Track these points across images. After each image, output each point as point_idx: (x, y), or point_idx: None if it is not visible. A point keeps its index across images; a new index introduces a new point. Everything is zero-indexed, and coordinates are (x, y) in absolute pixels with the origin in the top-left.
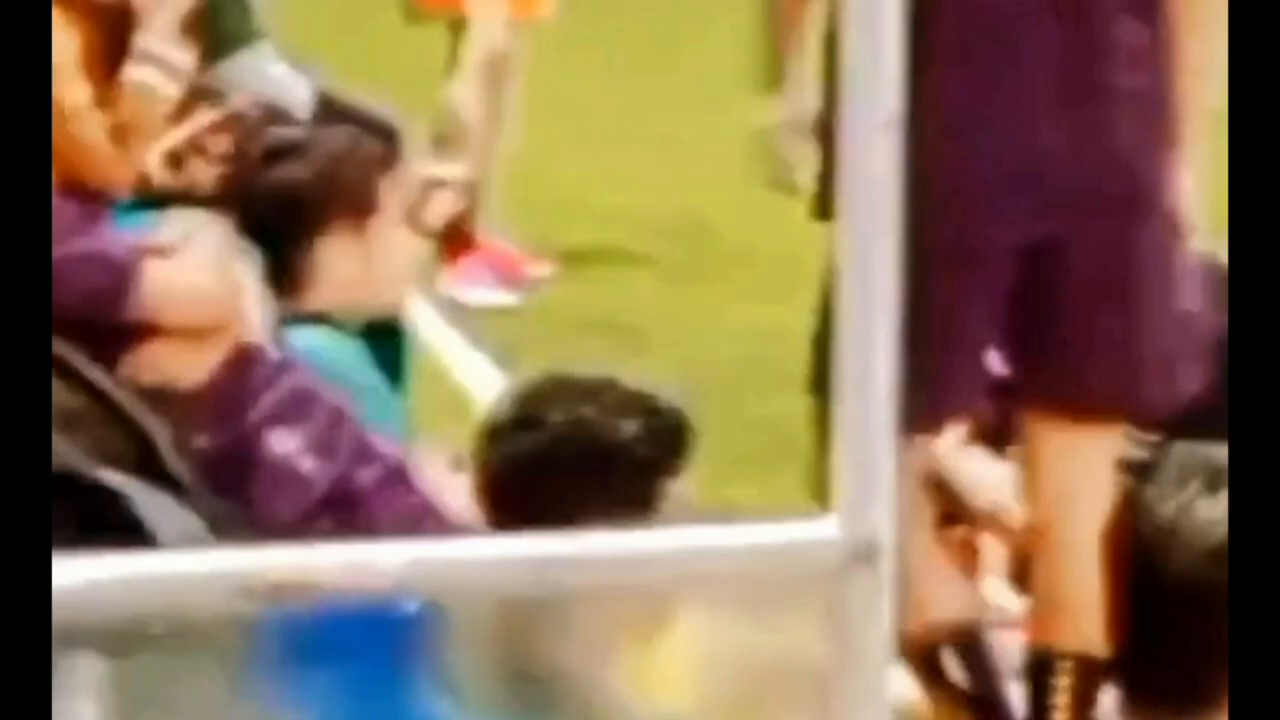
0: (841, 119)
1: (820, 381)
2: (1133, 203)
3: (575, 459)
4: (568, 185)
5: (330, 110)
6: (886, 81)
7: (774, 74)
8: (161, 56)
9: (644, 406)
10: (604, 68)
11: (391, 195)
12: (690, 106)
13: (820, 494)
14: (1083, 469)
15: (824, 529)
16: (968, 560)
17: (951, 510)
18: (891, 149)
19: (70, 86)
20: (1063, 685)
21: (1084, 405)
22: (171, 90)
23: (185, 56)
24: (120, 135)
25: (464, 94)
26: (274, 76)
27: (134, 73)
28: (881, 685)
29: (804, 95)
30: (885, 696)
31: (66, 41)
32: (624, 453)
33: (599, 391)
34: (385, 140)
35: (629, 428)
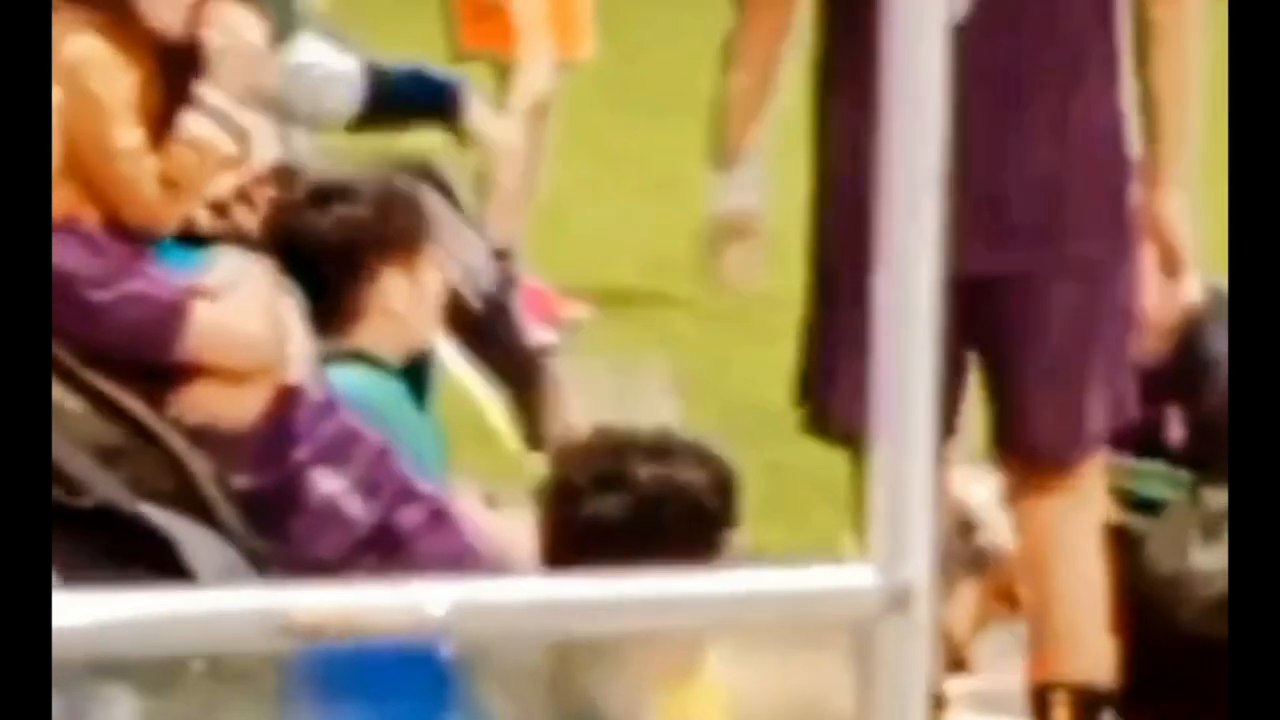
0: (884, 174)
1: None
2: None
3: (659, 514)
4: (605, 227)
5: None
6: (929, 136)
7: (725, 155)
8: (226, 114)
9: (703, 458)
10: (641, 109)
11: (435, 235)
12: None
13: (859, 539)
14: (1060, 503)
15: (860, 575)
16: (1006, 607)
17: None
18: (934, 202)
19: (123, 128)
20: (1061, 717)
21: (1032, 447)
22: (229, 149)
23: (248, 117)
24: (170, 184)
25: (513, 133)
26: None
27: (194, 126)
28: None
29: (749, 188)
30: None
31: (123, 81)
32: (698, 505)
33: (666, 446)
34: (430, 180)
35: (699, 480)
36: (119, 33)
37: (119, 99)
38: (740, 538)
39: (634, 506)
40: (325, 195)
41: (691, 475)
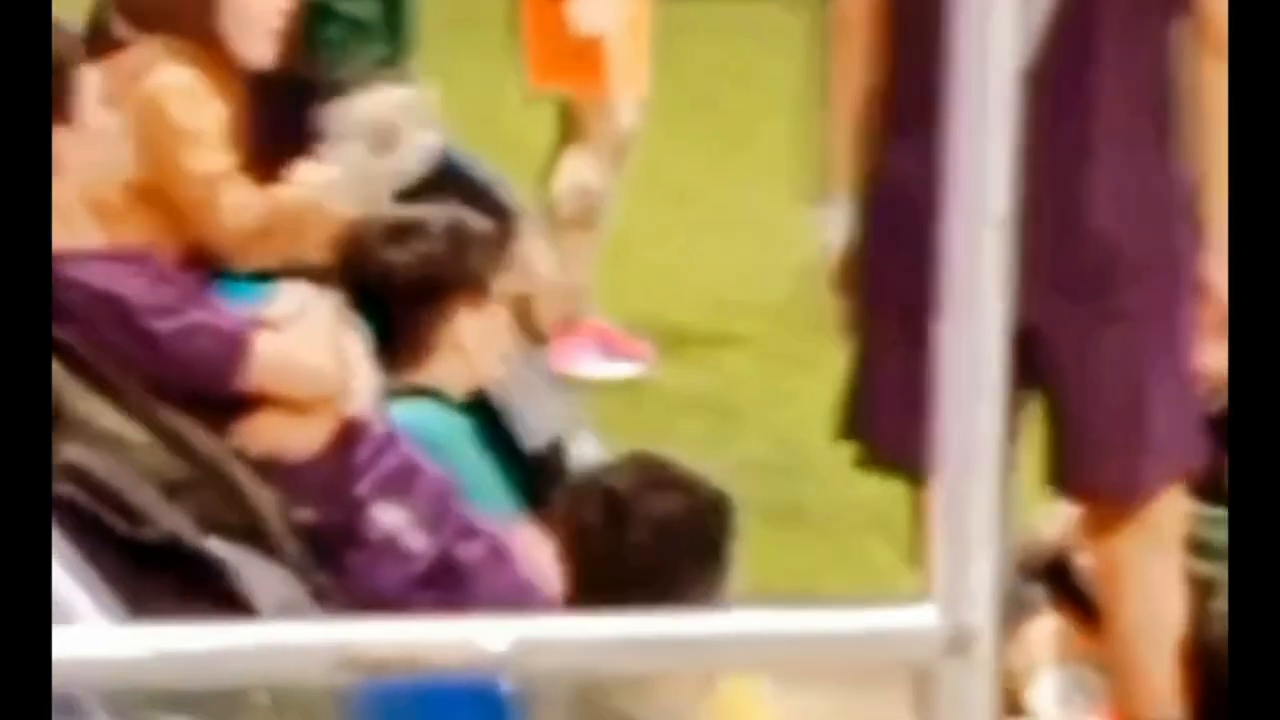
0: (951, 218)
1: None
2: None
3: (669, 547)
4: (669, 266)
5: (448, 184)
6: (995, 180)
7: (825, 193)
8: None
9: (696, 486)
10: (707, 150)
11: (505, 273)
12: (790, 192)
13: (918, 573)
14: (1126, 543)
15: (921, 617)
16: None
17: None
18: (999, 246)
19: (206, 153)
20: None
21: (1095, 490)
22: (339, 204)
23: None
24: (270, 222)
25: (592, 175)
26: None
27: (310, 174)
28: None
29: (841, 226)
30: None
31: (208, 109)
32: (708, 533)
33: (674, 475)
34: (502, 219)
35: (706, 507)
36: (207, 63)
37: (203, 126)
38: (794, 573)
39: (640, 539)
40: (401, 232)
41: (699, 503)
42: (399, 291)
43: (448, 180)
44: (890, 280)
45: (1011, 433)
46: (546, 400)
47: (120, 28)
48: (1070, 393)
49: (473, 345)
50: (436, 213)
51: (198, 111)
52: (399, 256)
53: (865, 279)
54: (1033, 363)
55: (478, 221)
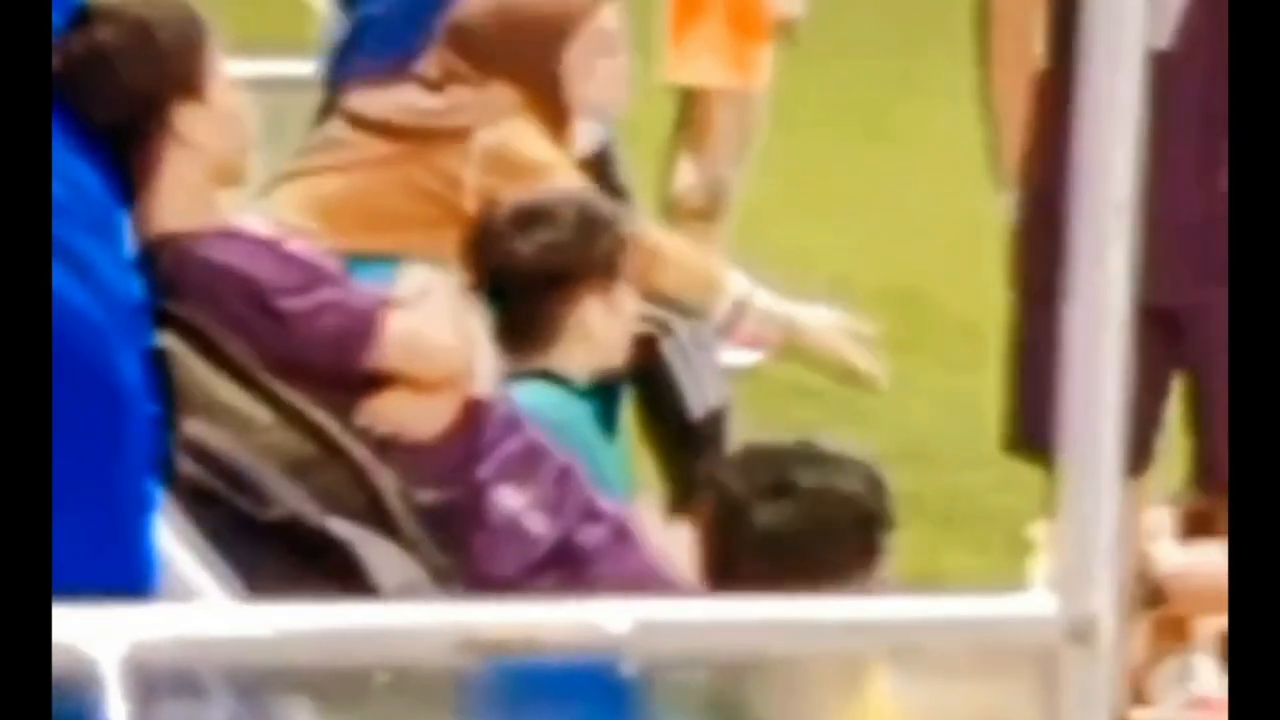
0: (1075, 202)
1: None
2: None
3: (827, 522)
4: (787, 251)
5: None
6: (1120, 165)
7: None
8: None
9: (855, 467)
10: (828, 135)
11: (630, 260)
12: (912, 177)
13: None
14: None
15: (1044, 605)
16: (1177, 638)
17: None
18: (1123, 230)
19: (570, 176)
20: None
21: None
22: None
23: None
24: None
25: (719, 167)
26: None
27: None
28: None
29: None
30: None
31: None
32: (861, 513)
33: (817, 455)
34: (616, 197)
35: (859, 489)
36: (537, 108)
37: (557, 158)
38: (913, 559)
39: (802, 514)
40: (528, 218)
41: (849, 482)
42: (524, 279)
43: (596, 165)
44: (1048, 269)
45: (1152, 421)
46: (706, 372)
47: (448, 62)
48: (1215, 380)
49: (599, 331)
50: (569, 198)
51: (547, 148)
52: (524, 246)
53: (1025, 267)
54: (1178, 349)
55: (608, 206)
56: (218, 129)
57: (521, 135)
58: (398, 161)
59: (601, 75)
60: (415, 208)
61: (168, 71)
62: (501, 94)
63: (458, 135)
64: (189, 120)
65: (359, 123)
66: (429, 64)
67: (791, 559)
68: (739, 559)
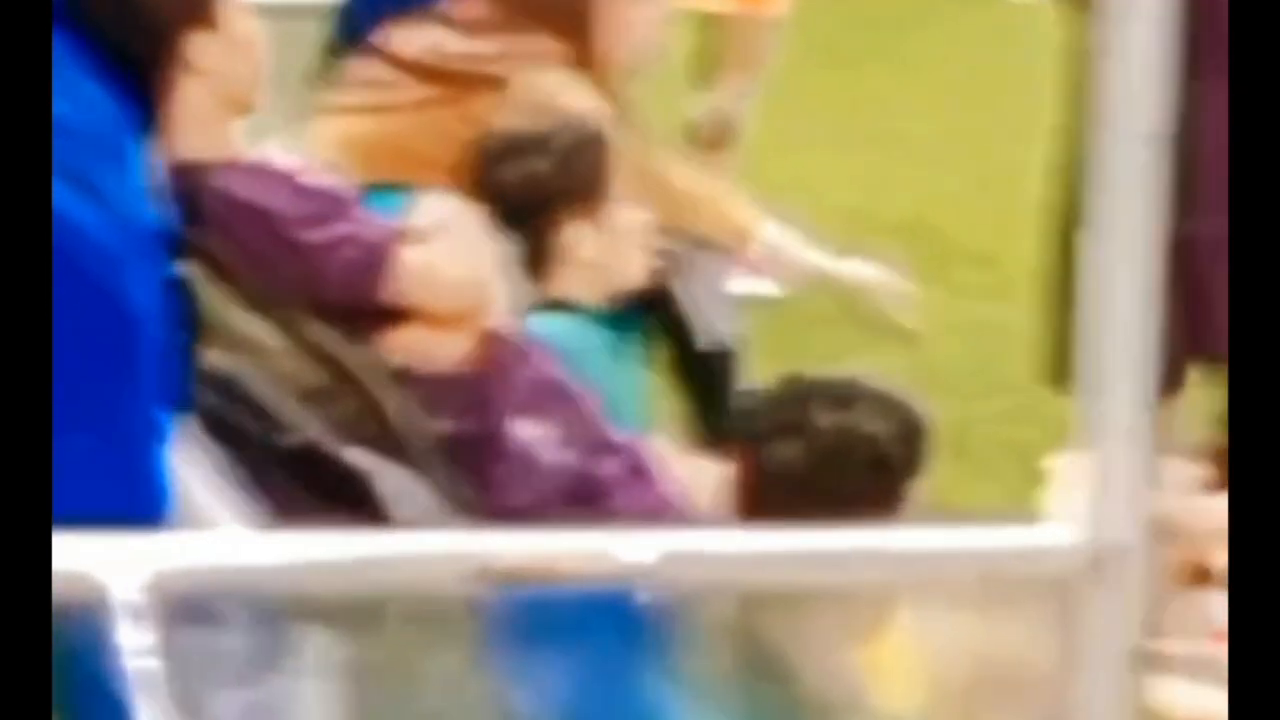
0: (1101, 131)
1: (1061, 383)
2: None
3: (840, 462)
4: (800, 182)
5: None
6: (1146, 95)
7: None
8: None
9: (890, 407)
10: (841, 65)
11: (626, 182)
12: (927, 109)
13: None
14: None
15: (1062, 535)
16: (1198, 571)
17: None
18: (1148, 163)
19: None
20: None
21: None
22: None
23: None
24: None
25: (732, 96)
26: None
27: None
28: (1119, 697)
29: None
30: (1122, 708)
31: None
32: (881, 455)
33: (851, 394)
34: (616, 118)
35: (884, 430)
36: (575, 61)
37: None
38: (926, 490)
39: (814, 454)
40: (513, 143)
41: (874, 423)
42: (510, 205)
43: None
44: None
45: (1177, 355)
46: (714, 303)
47: (479, 7)
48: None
49: (590, 255)
50: (557, 122)
51: (591, 98)
52: (507, 174)
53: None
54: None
55: (600, 129)
56: (230, 57)
57: (564, 86)
58: (432, 105)
59: (635, 23)
60: (446, 153)
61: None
62: (538, 42)
63: (495, 82)
64: (200, 48)
65: (394, 63)
66: (465, 6)
67: (802, 496)
68: (756, 495)
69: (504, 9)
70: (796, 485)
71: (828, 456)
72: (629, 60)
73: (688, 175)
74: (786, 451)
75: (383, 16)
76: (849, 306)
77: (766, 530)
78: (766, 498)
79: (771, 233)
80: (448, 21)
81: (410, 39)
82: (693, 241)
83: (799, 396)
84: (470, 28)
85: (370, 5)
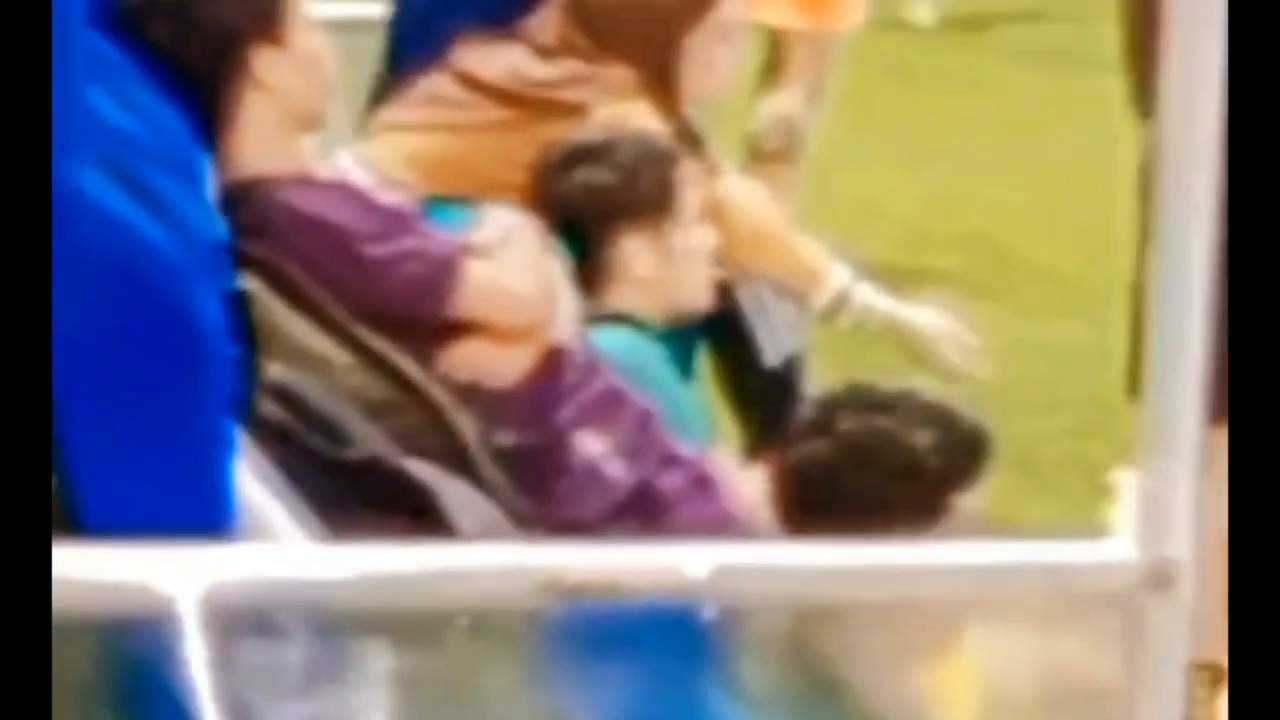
0: (1162, 142)
1: (1127, 393)
2: None
3: (865, 465)
4: (866, 198)
5: None
6: (1206, 98)
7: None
8: None
9: (940, 418)
10: (905, 78)
11: (691, 198)
12: (988, 124)
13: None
14: None
15: (1123, 550)
16: None
17: None
18: (1210, 176)
19: None
20: None
21: None
22: None
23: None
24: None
25: (797, 109)
26: None
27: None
28: (1176, 711)
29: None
30: None
31: None
32: (915, 462)
33: (896, 402)
34: (685, 140)
35: (922, 438)
36: (649, 95)
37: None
38: (976, 503)
39: (838, 455)
40: (576, 156)
41: (912, 431)
42: (572, 217)
43: None
44: None
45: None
46: (782, 319)
47: (564, 33)
48: None
49: (647, 274)
50: (624, 136)
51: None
52: (567, 184)
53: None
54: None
55: (667, 147)
56: (297, 73)
57: (640, 118)
58: (503, 128)
59: (716, 63)
60: (513, 174)
61: (246, 13)
62: (618, 73)
63: (572, 110)
64: (266, 64)
65: (469, 83)
66: (543, 29)
67: (829, 498)
68: (787, 497)
69: (586, 36)
70: (822, 486)
71: (852, 458)
72: (706, 96)
73: (760, 212)
74: (812, 451)
75: (441, 35)
76: (913, 353)
77: (827, 545)
78: (796, 500)
79: (840, 276)
80: (526, 44)
81: (487, 60)
82: (759, 280)
83: (837, 402)
84: (549, 53)
85: (425, 23)
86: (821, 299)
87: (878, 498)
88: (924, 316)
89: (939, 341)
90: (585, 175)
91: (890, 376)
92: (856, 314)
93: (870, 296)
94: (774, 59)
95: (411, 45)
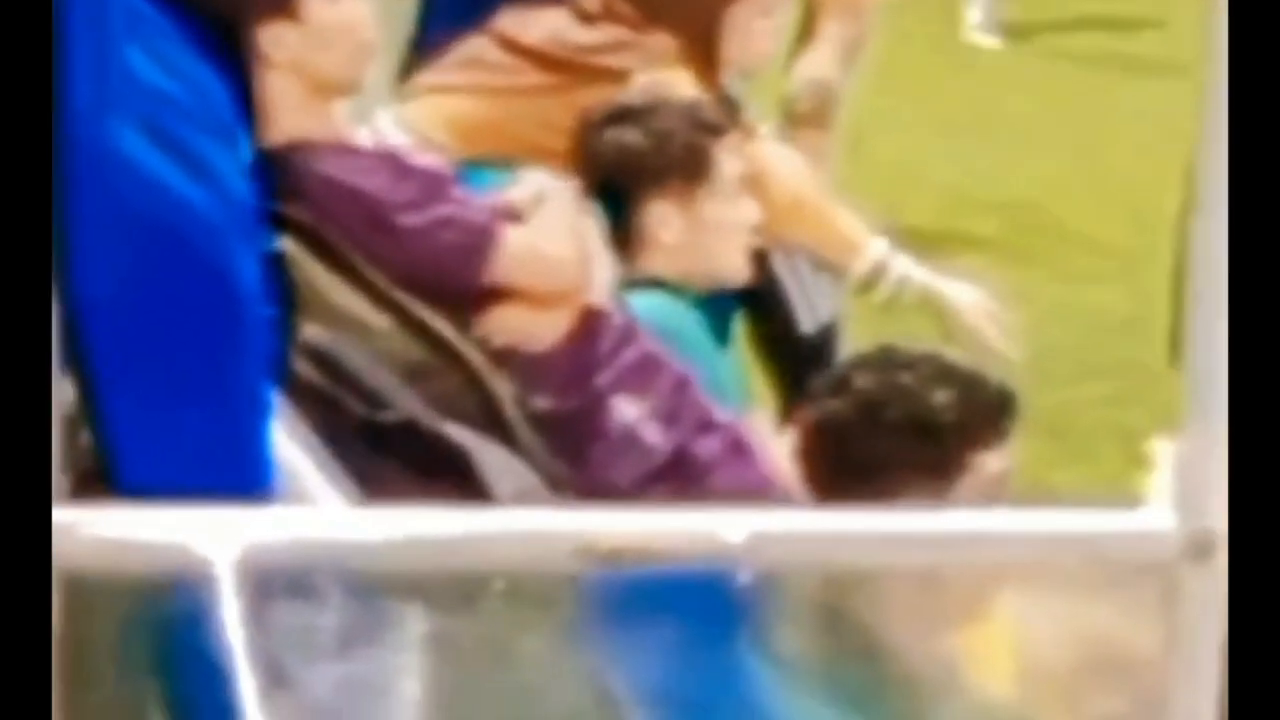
0: (1206, 111)
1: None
2: None
3: (879, 420)
4: (906, 163)
5: None
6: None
7: None
8: None
9: (961, 378)
10: (945, 43)
11: (727, 164)
12: (1028, 88)
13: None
14: None
15: (1159, 520)
16: None
17: None
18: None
19: None
20: None
21: None
22: None
23: None
24: None
25: (830, 70)
26: None
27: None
28: (1213, 682)
29: None
30: (1215, 693)
31: None
32: (930, 419)
33: (918, 362)
34: (725, 109)
35: (940, 396)
36: (692, 63)
37: None
38: (1000, 463)
39: (852, 411)
40: (617, 117)
41: (926, 387)
42: (605, 177)
43: None
44: None
45: None
46: (817, 286)
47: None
48: None
49: (673, 240)
50: (668, 100)
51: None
52: (604, 143)
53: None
54: None
55: (711, 114)
56: (316, 45)
57: (680, 86)
58: (545, 93)
59: (759, 34)
60: (551, 139)
61: None
62: (660, 40)
63: (614, 76)
64: (276, 39)
65: (510, 47)
66: None
67: (846, 452)
68: (809, 455)
69: (631, 3)
70: (839, 443)
71: (868, 414)
72: (746, 68)
73: (797, 182)
74: (831, 409)
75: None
76: (948, 326)
77: (863, 511)
78: (818, 457)
79: (878, 248)
80: (569, 9)
81: (528, 24)
82: (796, 251)
83: (861, 362)
84: (591, 18)
85: None
86: (859, 270)
87: (893, 454)
88: (960, 291)
89: (974, 316)
90: (618, 135)
91: (924, 344)
92: (893, 286)
93: (907, 268)
94: (806, 21)
95: (442, 10)
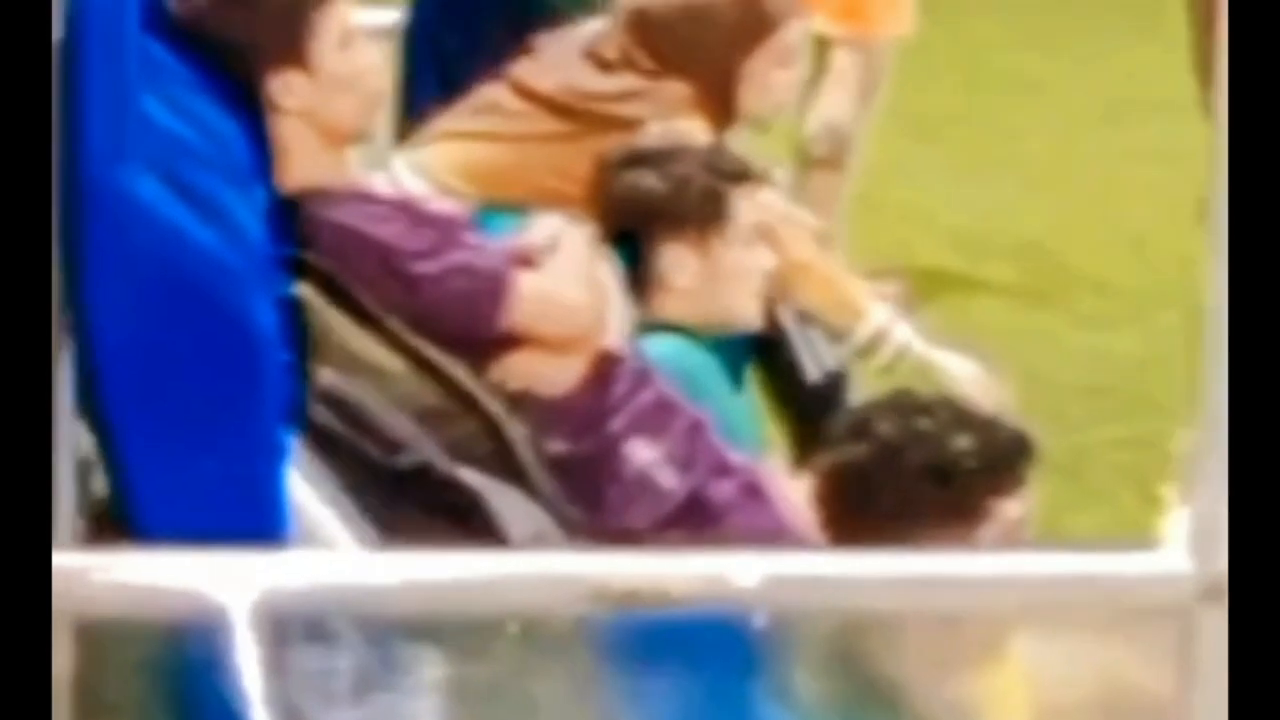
0: (1216, 137)
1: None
2: None
3: (901, 467)
4: (916, 205)
5: None
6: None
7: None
8: None
9: (979, 424)
10: (956, 88)
11: (742, 211)
12: (1044, 131)
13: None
14: None
15: (1174, 562)
16: None
17: None
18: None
19: None
20: None
21: None
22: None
23: None
24: None
25: (845, 115)
26: None
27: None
28: None
29: None
30: None
31: None
32: (952, 465)
33: (936, 407)
34: (739, 157)
35: (961, 442)
36: (707, 111)
37: None
38: (1018, 510)
39: (872, 456)
40: (635, 160)
41: (949, 436)
42: (620, 221)
43: None
44: None
45: None
46: (823, 336)
47: (626, 47)
48: None
49: (688, 284)
50: (687, 146)
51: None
52: (618, 187)
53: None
54: None
55: (730, 162)
56: (327, 94)
57: (693, 134)
58: (559, 140)
59: (773, 86)
60: (566, 186)
61: (262, 39)
62: (674, 89)
63: (627, 125)
64: (287, 88)
65: (526, 94)
66: (604, 44)
67: (865, 499)
68: (827, 501)
69: (647, 53)
70: (860, 488)
71: (889, 460)
72: (761, 118)
73: (805, 246)
74: (851, 454)
75: (513, 48)
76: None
77: (877, 555)
78: (837, 502)
79: (880, 315)
80: (585, 57)
81: (545, 72)
82: (799, 312)
83: (879, 407)
84: (607, 66)
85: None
86: (860, 335)
87: (914, 500)
88: (957, 365)
89: (970, 390)
90: (636, 179)
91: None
92: (892, 354)
93: (907, 337)
94: (820, 64)
95: (425, 83)
